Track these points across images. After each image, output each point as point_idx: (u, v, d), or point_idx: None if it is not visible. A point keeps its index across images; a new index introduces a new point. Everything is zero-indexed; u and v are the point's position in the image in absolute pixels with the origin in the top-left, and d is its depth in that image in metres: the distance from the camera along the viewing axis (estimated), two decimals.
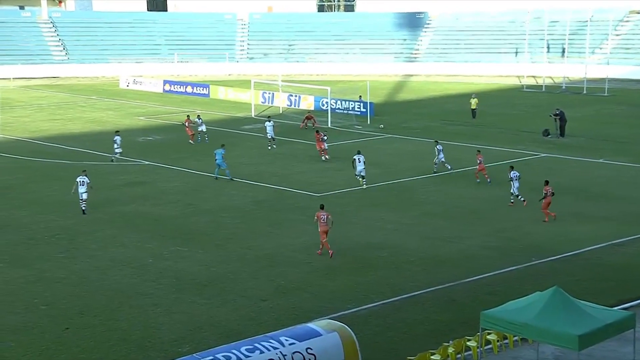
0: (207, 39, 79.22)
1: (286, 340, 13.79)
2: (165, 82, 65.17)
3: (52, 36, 75.79)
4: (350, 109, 51.52)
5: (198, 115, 43.58)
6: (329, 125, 47.15)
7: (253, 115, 50.72)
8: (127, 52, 75.89)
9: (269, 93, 55.78)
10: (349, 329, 14.71)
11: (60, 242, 24.15)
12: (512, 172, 28.35)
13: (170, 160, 36.10)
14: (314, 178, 33.39)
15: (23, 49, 73.12)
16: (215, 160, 32.25)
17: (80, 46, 75.48)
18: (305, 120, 45.96)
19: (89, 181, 27.70)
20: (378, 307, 19.36)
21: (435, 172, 33.39)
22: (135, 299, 19.72)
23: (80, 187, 27.61)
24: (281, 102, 54.17)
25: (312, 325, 14.64)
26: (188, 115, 43.58)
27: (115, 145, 35.51)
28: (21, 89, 63.51)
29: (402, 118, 50.47)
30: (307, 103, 54.13)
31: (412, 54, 78.99)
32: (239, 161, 36.20)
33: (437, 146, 34.03)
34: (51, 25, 76.41)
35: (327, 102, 50.21)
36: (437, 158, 33.70)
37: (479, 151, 32.90)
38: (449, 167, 33.67)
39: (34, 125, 46.28)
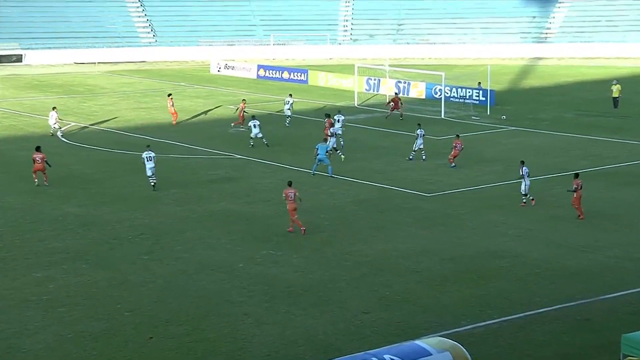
0: (306, 19, 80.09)
1: (391, 359, 13.75)
2: (259, 66, 66.37)
3: (139, 16, 78.63)
4: (468, 97, 50.86)
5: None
6: (442, 116, 46.72)
7: (356, 105, 50.90)
8: (219, 33, 77.74)
9: (375, 79, 55.81)
10: (463, 348, 14.54)
11: (145, 243, 25.04)
12: (523, 167, 28.15)
13: (264, 154, 36.75)
14: (423, 176, 33.18)
15: (109, 30, 76.14)
16: (317, 155, 32.56)
17: (168, 27, 77.94)
18: (391, 104, 45.41)
19: (154, 155, 30.33)
20: (497, 325, 19.06)
21: (410, 159, 35.25)
22: (224, 307, 20.19)
23: (147, 162, 30.11)
24: (388, 89, 54.06)
25: (420, 342, 14.54)
26: (244, 100, 44.49)
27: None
28: (106, 75, 66.32)
29: (528, 108, 49.35)
30: (418, 90, 53.81)
31: (542, 33, 77.04)
32: (338, 155, 36.36)
33: (418, 130, 35.19)
34: (139, 4, 79.27)
35: (440, 90, 49.74)
36: (416, 144, 35.17)
37: (457, 136, 34.50)
38: (424, 158, 35.32)
39: (119, 114, 48.21)
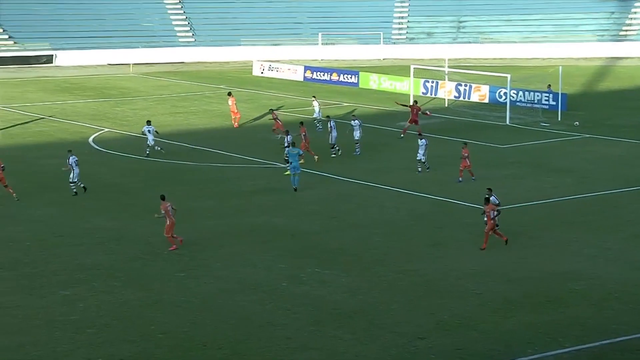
0: (357, 17, 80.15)
1: None
2: (306, 68, 66.61)
3: (178, 14, 79.57)
4: (536, 101, 50.34)
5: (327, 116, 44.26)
6: (507, 122, 46.27)
7: None
8: (263, 32, 78.19)
9: (432, 82, 55.57)
10: None
11: (181, 259, 25.22)
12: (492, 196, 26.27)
13: (309, 163, 36.79)
14: (484, 188, 32.80)
15: (144, 29, 77.14)
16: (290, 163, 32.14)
17: (209, 26, 78.68)
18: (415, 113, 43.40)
19: (76, 159, 31.59)
20: (570, 355, 18.77)
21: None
22: (266, 330, 20.21)
23: (76, 167, 31.41)
24: (447, 93, 53.75)
25: None
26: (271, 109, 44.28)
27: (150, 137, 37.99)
28: (141, 77, 67.21)
29: (605, 113, 48.63)
30: (480, 94, 53.42)
31: (620, 31, 75.86)
32: (393, 165, 36.24)
33: (353, 121, 37.53)
34: (177, 1, 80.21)
35: (505, 93, 49.30)
36: (353, 134, 37.63)
37: (465, 144, 33.77)
38: (356, 152, 37.71)
39: (154, 119, 48.46)
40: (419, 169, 34.73)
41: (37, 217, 29.42)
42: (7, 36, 73.60)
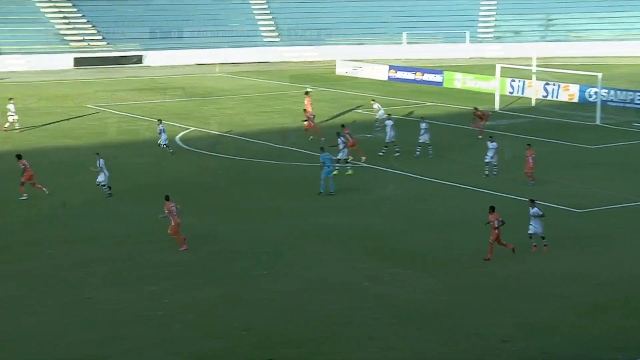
0: (443, 15, 79.58)
1: None
2: (390, 67, 66.49)
3: (264, 14, 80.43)
4: (629, 101, 49.22)
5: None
6: (598, 122, 45.29)
7: (498, 109, 50.09)
8: (347, 32, 78.40)
9: (519, 81, 54.79)
10: None
11: (263, 257, 25.53)
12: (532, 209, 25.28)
13: (391, 163, 36.75)
14: (573, 189, 32.27)
15: (231, 29, 78.23)
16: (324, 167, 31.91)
17: (293, 25, 79.32)
18: (479, 121, 42.42)
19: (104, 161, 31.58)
20: None
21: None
22: (348, 330, 20.31)
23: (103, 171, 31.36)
24: (534, 92, 52.89)
25: None
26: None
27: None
28: (227, 76, 68.20)
29: None
30: (569, 94, 52.45)
31: None
32: (474, 165, 35.94)
33: (422, 123, 37.69)
34: (264, 1, 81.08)
35: (596, 93, 48.27)
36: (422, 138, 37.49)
37: (529, 145, 32.87)
38: (416, 154, 37.38)
39: (238, 118, 49.42)
40: (486, 172, 34.20)
41: (126, 214, 30.17)
42: (100, 37, 75.68)
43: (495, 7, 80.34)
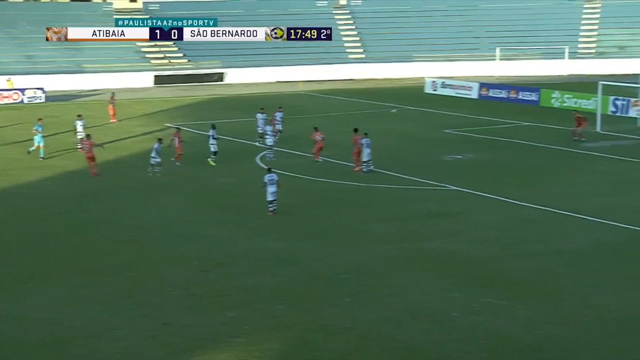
0: (540, 30, 78.39)
1: None
2: (482, 85, 65.74)
3: (349, 29, 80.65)
4: None
5: None
6: None
7: (599, 130, 48.89)
8: (437, 48, 77.97)
9: (624, 100, 53.47)
10: None
11: (347, 283, 25.23)
12: None
13: (486, 187, 36.10)
14: None
15: (315, 45, 78.66)
16: None
17: (380, 41, 79.26)
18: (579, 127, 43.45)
19: (277, 179, 31.69)
20: None
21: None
22: None
23: (269, 186, 31.46)
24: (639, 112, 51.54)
25: None
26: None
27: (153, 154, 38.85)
28: (309, 94, 68.47)
29: None
30: None
31: None
32: (577, 190, 35.06)
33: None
34: (350, 16, 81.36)
35: None
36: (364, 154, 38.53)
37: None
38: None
39: (328, 139, 49.28)
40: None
41: (207, 236, 30.29)
42: (182, 54, 77.06)
43: (597, 22, 78.71)
